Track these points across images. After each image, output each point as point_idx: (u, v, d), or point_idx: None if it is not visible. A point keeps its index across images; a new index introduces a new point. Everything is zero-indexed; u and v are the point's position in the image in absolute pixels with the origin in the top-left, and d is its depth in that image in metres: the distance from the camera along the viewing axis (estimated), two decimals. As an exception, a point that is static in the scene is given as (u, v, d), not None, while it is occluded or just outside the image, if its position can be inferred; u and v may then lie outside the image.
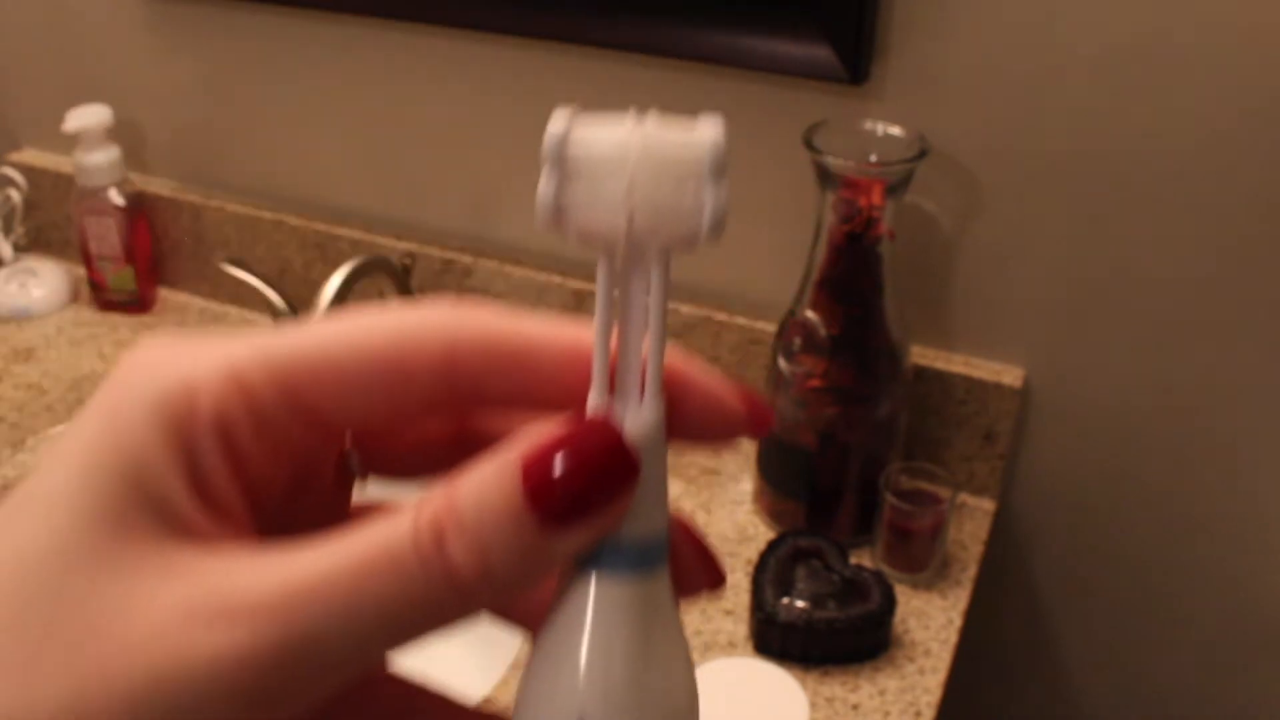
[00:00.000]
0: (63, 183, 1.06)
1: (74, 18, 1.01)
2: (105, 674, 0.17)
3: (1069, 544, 0.86)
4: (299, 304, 0.96)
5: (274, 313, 0.95)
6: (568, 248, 0.89)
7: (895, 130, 0.72)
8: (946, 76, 0.72)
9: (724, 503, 0.83)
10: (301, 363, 0.19)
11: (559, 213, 0.19)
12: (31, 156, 1.10)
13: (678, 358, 0.20)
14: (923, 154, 0.69)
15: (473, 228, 0.94)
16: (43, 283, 1.06)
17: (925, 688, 0.69)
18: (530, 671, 0.20)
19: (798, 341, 0.75)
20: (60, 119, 0.96)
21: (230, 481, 0.19)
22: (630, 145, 0.18)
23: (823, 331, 0.73)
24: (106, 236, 1.01)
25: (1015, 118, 0.72)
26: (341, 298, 0.83)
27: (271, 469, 0.20)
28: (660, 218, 0.19)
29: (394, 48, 0.89)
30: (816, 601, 0.70)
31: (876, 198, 0.70)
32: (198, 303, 1.07)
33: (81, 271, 1.06)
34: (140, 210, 1.03)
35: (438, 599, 0.18)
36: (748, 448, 0.87)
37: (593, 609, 0.19)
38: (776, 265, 0.81)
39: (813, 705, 0.68)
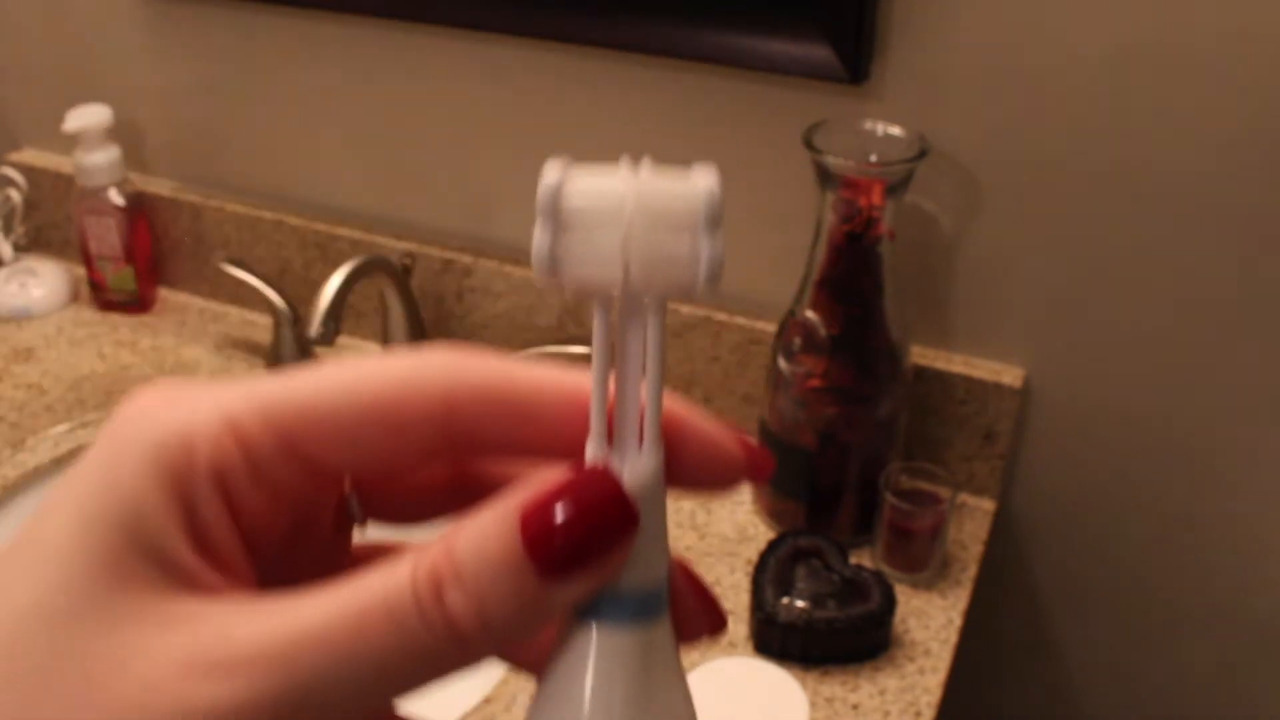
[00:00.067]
0: (63, 183, 1.06)
1: (74, 18, 1.01)
2: None
3: (1069, 544, 0.86)
4: (299, 304, 0.96)
5: (274, 313, 0.95)
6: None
7: (895, 130, 0.72)
8: (946, 76, 0.72)
9: (724, 502, 0.83)
10: (299, 411, 0.19)
11: (555, 264, 0.19)
12: (31, 156, 1.10)
13: (676, 405, 0.20)
14: (923, 154, 0.69)
15: (473, 228, 0.94)
16: (43, 283, 1.06)
17: (925, 688, 0.69)
18: (533, 719, 0.20)
19: (798, 341, 0.75)
20: (60, 119, 0.96)
21: (228, 530, 0.19)
22: (625, 196, 0.18)
23: (823, 331, 0.73)
24: (106, 236, 1.01)
25: (1015, 118, 0.72)
26: (341, 297, 0.83)
27: (270, 516, 0.20)
28: (656, 268, 0.19)
29: (394, 47, 0.89)
30: (816, 601, 0.70)
31: (876, 198, 0.70)
32: (198, 303, 1.07)
33: (81, 271, 1.06)
34: (140, 210, 1.03)
35: (436, 649, 0.18)
36: (748, 448, 0.87)
37: (594, 658, 0.19)
38: (776, 265, 0.81)
39: (813, 705, 0.68)
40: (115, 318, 1.05)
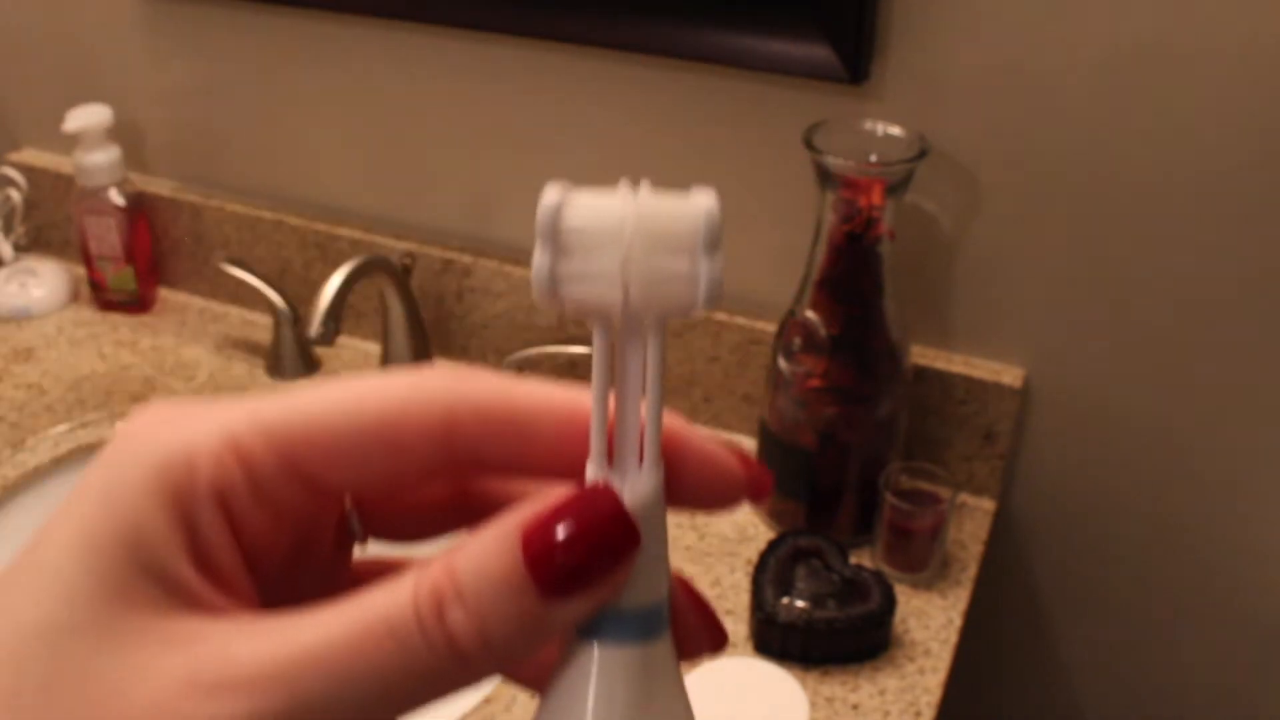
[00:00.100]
0: (63, 183, 1.06)
1: (74, 18, 1.01)
2: None
3: (1069, 544, 0.86)
4: (299, 304, 0.96)
5: (274, 312, 0.95)
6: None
7: (895, 130, 0.72)
8: (946, 76, 0.72)
9: (724, 503, 0.83)
10: (299, 430, 0.19)
11: (554, 286, 0.19)
12: (31, 156, 1.10)
13: (676, 423, 0.20)
14: (923, 154, 0.69)
15: (473, 228, 0.94)
16: (43, 283, 1.06)
17: (925, 688, 0.69)
18: None
19: (798, 341, 0.75)
20: (60, 119, 0.96)
21: (230, 549, 0.19)
22: (624, 218, 0.18)
23: (823, 331, 0.73)
24: (106, 236, 1.01)
25: (1015, 118, 0.72)
26: (341, 298, 0.83)
27: (271, 535, 0.20)
28: (656, 289, 0.19)
29: (394, 47, 0.89)
30: (816, 601, 0.70)
31: (876, 198, 0.70)
32: (198, 302, 1.07)
33: (81, 271, 1.06)
34: (140, 210, 1.03)
35: (438, 668, 0.18)
36: (748, 447, 0.87)
37: (595, 676, 0.19)
38: (776, 265, 0.81)
39: (813, 705, 0.68)
40: (115, 318, 1.05)
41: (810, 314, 0.74)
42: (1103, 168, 0.71)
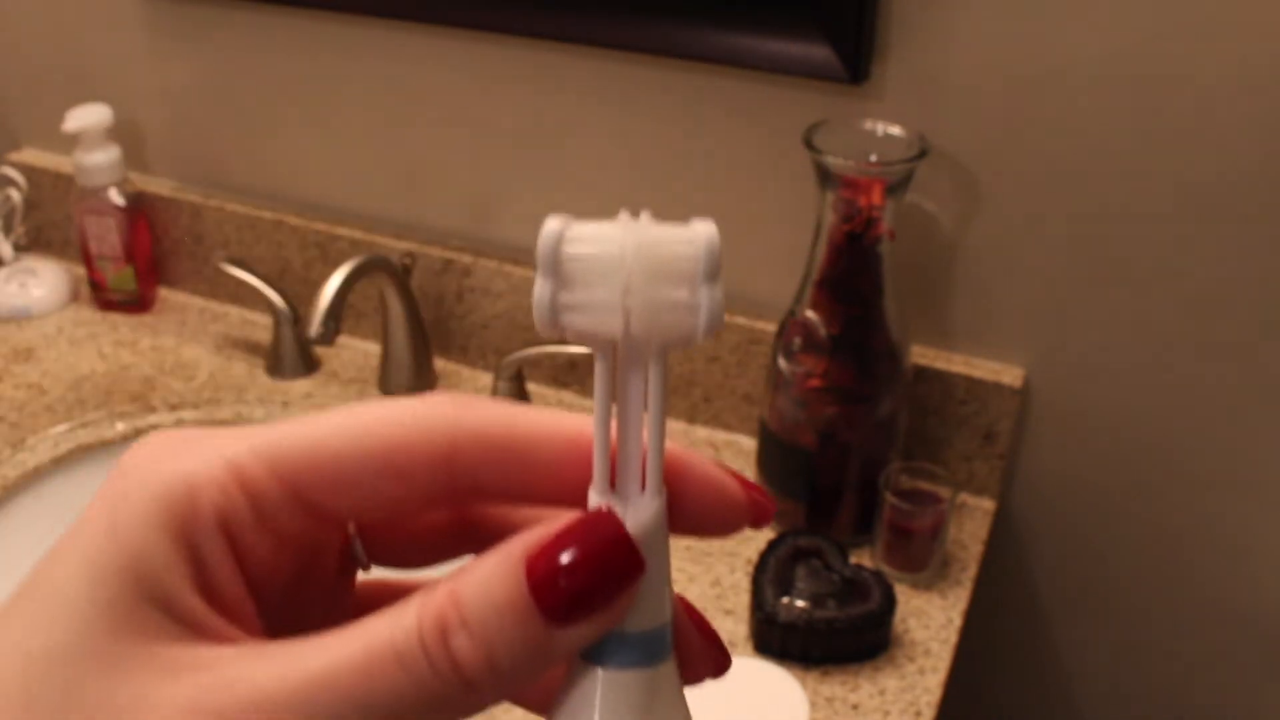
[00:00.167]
0: (63, 183, 1.06)
1: (73, 18, 1.01)
2: None
3: (1069, 544, 0.86)
4: (299, 304, 0.96)
5: (274, 312, 0.95)
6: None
7: (895, 130, 0.72)
8: (946, 76, 0.72)
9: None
10: (302, 458, 0.20)
11: (556, 315, 0.19)
12: (31, 156, 1.10)
13: (677, 449, 0.21)
14: (923, 154, 0.70)
15: (473, 228, 0.94)
16: (43, 283, 1.06)
17: (925, 687, 0.69)
18: None
19: (798, 341, 0.75)
20: (60, 119, 0.96)
21: (234, 576, 0.19)
22: (625, 247, 0.19)
23: (823, 331, 0.73)
24: (106, 236, 1.01)
25: (1015, 118, 0.72)
26: (341, 297, 0.83)
27: (275, 562, 0.20)
28: (657, 319, 0.19)
29: (394, 47, 0.89)
30: (816, 601, 0.70)
31: (876, 198, 0.70)
32: (198, 302, 1.07)
33: (81, 271, 1.06)
34: (140, 210, 1.03)
35: (445, 694, 0.18)
36: (748, 447, 0.87)
37: (600, 701, 0.19)
38: (776, 265, 0.81)
39: (813, 705, 0.68)
40: (115, 317, 1.05)
41: (810, 314, 0.74)
42: (1103, 167, 0.71)
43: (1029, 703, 0.96)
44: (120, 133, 1.01)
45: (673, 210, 0.85)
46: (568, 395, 0.94)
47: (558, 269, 0.19)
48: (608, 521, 0.19)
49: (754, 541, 0.79)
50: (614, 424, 0.20)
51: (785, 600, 0.70)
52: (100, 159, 0.98)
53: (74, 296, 1.08)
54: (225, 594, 0.19)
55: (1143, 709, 0.91)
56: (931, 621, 0.74)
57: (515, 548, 0.19)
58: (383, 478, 0.20)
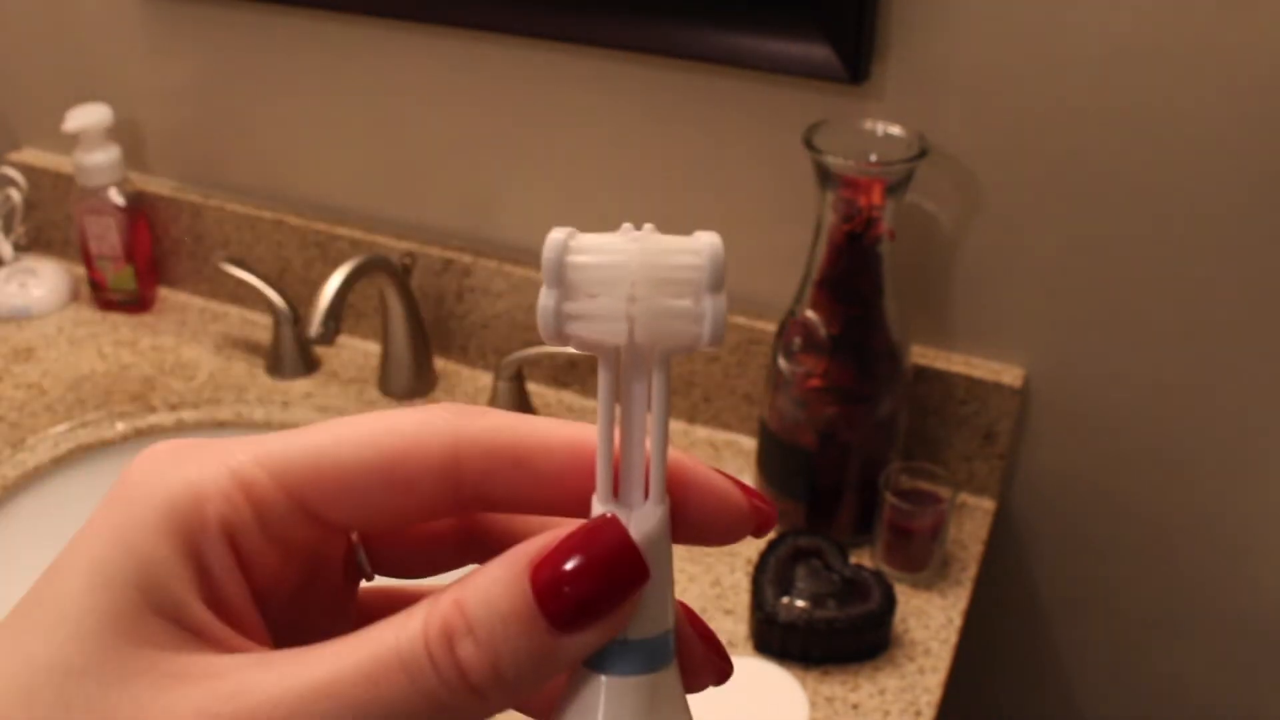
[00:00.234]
0: (63, 183, 1.06)
1: (73, 17, 1.01)
2: None
3: (1068, 544, 0.86)
4: (299, 304, 0.96)
5: (274, 312, 0.95)
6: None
7: (895, 130, 0.72)
8: (946, 76, 0.72)
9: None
10: (307, 467, 0.20)
11: (560, 325, 0.19)
12: (31, 156, 1.10)
13: (681, 457, 0.21)
14: (923, 154, 0.70)
15: (473, 228, 0.94)
16: (43, 282, 1.06)
17: (925, 687, 0.69)
18: None
19: (798, 341, 0.75)
20: (60, 119, 0.96)
21: (239, 585, 0.20)
22: (629, 257, 0.19)
23: (823, 331, 0.73)
24: (106, 236, 1.01)
25: (1015, 117, 0.72)
26: (341, 297, 0.83)
27: (280, 571, 0.20)
28: (660, 328, 0.19)
29: (394, 47, 0.89)
30: (816, 601, 0.70)
31: (876, 197, 0.70)
32: (198, 302, 1.07)
33: (81, 271, 1.06)
34: (140, 210, 1.03)
35: (450, 702, 0.18)
36: (748, 447, 0.87)
37: (602, 708, 0.19)
38: (776, 265, 0.81)
39: (813, 705, 0.68)
40: (115, 317, 1.05)
41: (810, 314, 0.74)
42: (1103, 167, 0.71)
43: (1029, 703, 0.96)
44: (120, 132, 1.01)
45: (672, 210, 0.86)
46: (568, 395, 0.94)
47: (563, 278, 0.19)
48: (612, 529, 0.19)
49: (754, 541, 0.79)
50: (617, 432, 0.20)
51: (785, 600, 0.70)
52: (100, 159, 0.98)
53: (74, 296, 1.08)
54: (231, 603, 0.19)
55: (1143, 709, 0.91)
56: (931, 621, 0.74)
57: (520, 555, 0.19)
58: (387, 488, 0.20)
